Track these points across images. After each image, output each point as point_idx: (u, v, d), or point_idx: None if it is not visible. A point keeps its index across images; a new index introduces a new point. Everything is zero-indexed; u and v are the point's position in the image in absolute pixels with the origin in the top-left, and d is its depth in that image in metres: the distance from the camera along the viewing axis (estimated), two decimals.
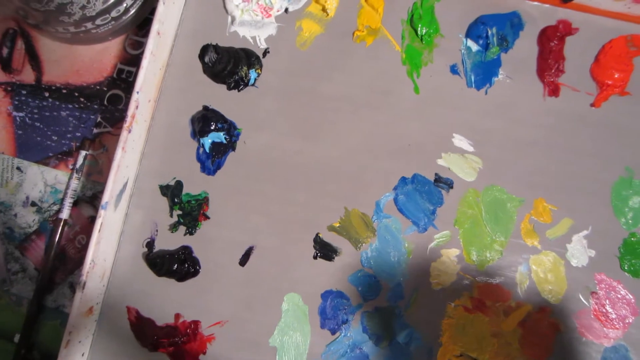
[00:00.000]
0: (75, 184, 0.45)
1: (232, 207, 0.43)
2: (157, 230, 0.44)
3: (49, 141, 0.47)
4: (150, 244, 0.43)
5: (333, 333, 0.42)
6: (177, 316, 0.42)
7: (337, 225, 0.43)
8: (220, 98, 0.45)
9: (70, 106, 0.48)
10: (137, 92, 0.41)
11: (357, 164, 0.44)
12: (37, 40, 0.49)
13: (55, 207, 0.46)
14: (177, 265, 0.42)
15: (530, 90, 0.44)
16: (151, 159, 0.45)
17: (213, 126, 0.44)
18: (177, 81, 0.45)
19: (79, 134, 0.47)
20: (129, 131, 0.41)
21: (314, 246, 0.43)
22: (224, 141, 0.44)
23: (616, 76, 0.43)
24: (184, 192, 0.44)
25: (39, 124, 0.47)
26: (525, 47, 0.44)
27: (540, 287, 0.42)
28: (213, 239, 0.43)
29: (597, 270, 0.42)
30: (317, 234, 0.43)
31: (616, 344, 0.41)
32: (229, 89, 0.45)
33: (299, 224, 0.43)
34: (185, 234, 0.43)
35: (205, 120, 0.44)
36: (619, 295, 0.41)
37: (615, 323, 0.41)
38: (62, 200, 0.45)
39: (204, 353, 0.42)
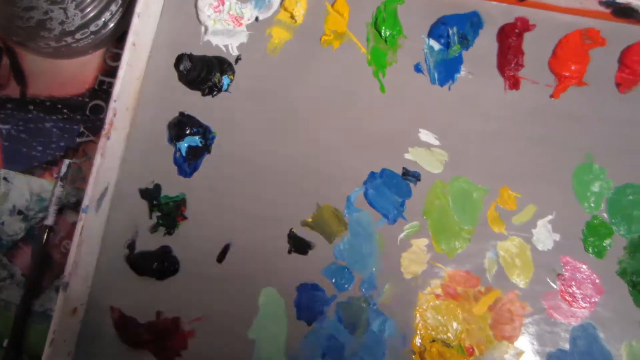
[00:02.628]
0: (59, 191, 0.47)
1: (209, 207, 0.45)
2: (137, 232, 0.45)
3: (34, 152, 0.49)
4: (131, 245, 0.45)
5: (309, 324, 0.43)
6: (158, 313, 0.44)
7: (310, 220, 0.45)
8: (195, 104, 0.47)
9: (54, 117, 0.50)
10: (115, 101, 0.43)
11: (328, 161, 0.45)
12: (21, 56, 0.51)
13: (41, 215, 0.48)
14: (157, 264, 0.44)
15: (492, 84, 0.46)
16: (131, 164, 0.46)
17: (188, 131, 0.46)
18: (154, 89, 0.48)
19: (62, 144, 0.49)
20: (108, 138, 0.43)
21: (288, 241, 0.44)
22: (200, 144, 0.46)
23: (573, 68, 0.45)
24: (162, 194, 0.46)
25: (24, 136, 0.49)
26: (486, 44, 0.46)
27: (508, 271, 0.43)
28: (191, 238, 0.45)
29: (562, 253, 0.43)
30: (291, 230, 0.44)
31: (584, 323, 0.42)
32: (204, 95, 0.47)
33: (273, 220, 0.45)
34: (164, 235, 0.45)
35: (181, 125, 0.46)
36: (584, 276, 0.43)
37: (582, 302, 0.42)
38: (48, 207, 0.47)
39: (185, 348, 0.43)
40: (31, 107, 0.50)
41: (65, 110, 0.50)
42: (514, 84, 0.46)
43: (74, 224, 0.47)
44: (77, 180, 0.48)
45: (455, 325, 0.43)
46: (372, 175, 0.45)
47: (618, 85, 0.45)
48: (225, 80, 0.47)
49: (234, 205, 0.45)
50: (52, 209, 0.47)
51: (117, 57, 0.50)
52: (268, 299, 0.44)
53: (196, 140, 0.46)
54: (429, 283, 0.43)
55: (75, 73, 0.51)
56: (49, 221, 0.47)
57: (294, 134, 0.46)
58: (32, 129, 0.50)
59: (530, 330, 0.42)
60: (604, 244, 0.43)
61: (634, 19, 0.45)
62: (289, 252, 0.44)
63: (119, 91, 0.43)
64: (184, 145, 0.46)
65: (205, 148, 0.46)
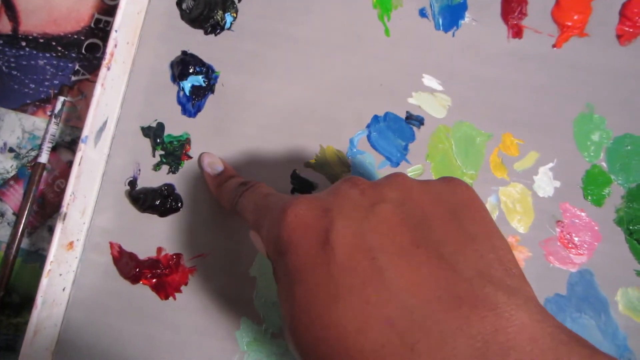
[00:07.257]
0: (53, 129, 0.46)
1: (213, 147, 0.44)
2: (139, 170, 0.44)
3: (26, 89, 0.48)
4: (132, 182, 0.44)
5: None
6: (159, 250, 0.43)
7: (313, 161, 0.44)
8: (198, 43, 0.46)
9: (47, 55, 0.48)
10: (116, 31, 0.42)
11: (332, 104, 0.45)
12: None
13: (34, 153, 0.46)
14: (160, 200, 0.43)
15: (495, 32, 0.46)
16: (132, 102, 0.45)
17: (192, 69, 0.45)
18: (155, 28, 0.46)
19: (56, 82, 0.48)
20: (108, 68, 0.42)
21: (291, 182, 0.44)
22: (203, 84, 0.45)
23: (575, 18, 0.46)
24: (165, 133, 0.45)
25: (16, 73, 0.48)
26: None
27: (509, 216, 0.44)
28: (196, 177, 0.44)
29: (562, 200, 0.44)
30: (294, 171, 0.44)
31: (581, 269, 0.43)
32: (206, 33, 0.46)
33: (276, 161, 0.44)
34: (168, 173, 0.44)
35: (184, 64, 0.45)
36: (583, 223, 0.44)
37: (580, 249, 0.43)
38: (41, 145, 0.46)
39: (186, 284, 0.42)
40: (23, 44, 0.48)
41: (59, 48, 0.48)
42: (517, 32, 0.46)
43: (68, 163, 0.46)
44: (72, 118, 0.47)
45: None
46: (376, 118, 0.45)
47: (619, 37, 0.46)
48: (228, 18, 0.46)
49: (238, 147, 0.44)
50: (46, 146, 0.46)
51: None
52: None
53: (199, 79, 0.45)
54: None
55: (70, 10, 0.49)
56: (43, 159, 0.45)
57: (297, 74, 0.45)
58: (25, 66, 0.48)
59: (529, 275, 0.42)
60: (603, 193, 0.44)
61: None
62: (292, 192, 0.44)
63: (120, 22, 0.42)
64: (187, 84, 0.45)
65: (209, 88, 0.45)
